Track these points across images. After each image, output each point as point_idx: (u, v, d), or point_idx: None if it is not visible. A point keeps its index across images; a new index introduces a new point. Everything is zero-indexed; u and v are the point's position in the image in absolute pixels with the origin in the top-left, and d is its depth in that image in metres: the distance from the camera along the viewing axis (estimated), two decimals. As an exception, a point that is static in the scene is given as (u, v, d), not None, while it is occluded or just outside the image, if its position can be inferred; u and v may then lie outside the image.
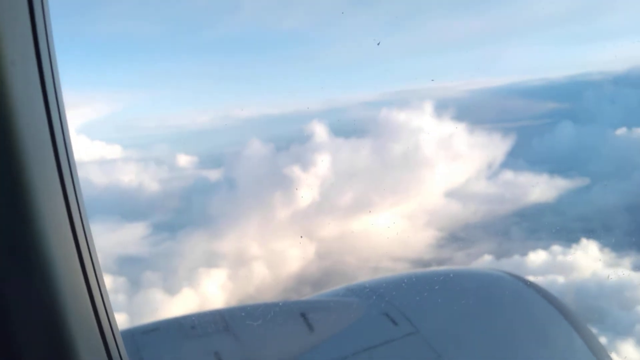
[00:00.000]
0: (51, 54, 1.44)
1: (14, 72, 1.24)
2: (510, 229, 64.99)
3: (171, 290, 54.56)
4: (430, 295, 4.96)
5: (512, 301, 5.11)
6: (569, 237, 56.49)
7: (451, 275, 5.66)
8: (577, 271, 48.82)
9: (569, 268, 49.36)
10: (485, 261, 52.91)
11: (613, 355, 4.95)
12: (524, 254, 53.79)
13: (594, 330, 4.88)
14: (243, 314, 4.71)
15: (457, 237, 66.11)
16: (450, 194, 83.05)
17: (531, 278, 5.56)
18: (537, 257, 52.40)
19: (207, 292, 55.58)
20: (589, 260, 50.55)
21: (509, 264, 50.93)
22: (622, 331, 35.44)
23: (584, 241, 54.15)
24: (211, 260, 64.04)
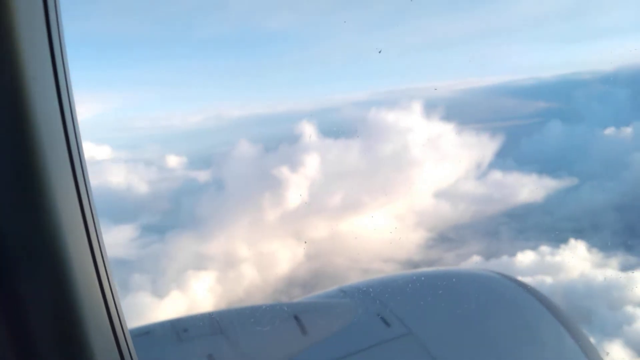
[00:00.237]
0: (66, 69, 1.51)
1: (34, 87, 1.31)
2: (499, 230, 65.36)
3: (159, 293, 54.44)
4: (422, 296, 4.94)
5: (504, 301, 5.10)
6: (558, 237, 56.89)
7: (443, 275, 5.65)
8: (565, 271, 49.12)
9: (557, 268, 49.69)
10: (474, 262, 53.19)
11: (603, 355, 4.93)
12: (513, 254, 54.11)
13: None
14: (236, 316, 4.68)
15: (447, 237, 66.42)
16: (440, 195, 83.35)
17: (520, 278, 5.54)
18: (526, 257, 52.74)
19: (195, 294, 55.48)
20: (577, 260, 50.89)
21: (498, 265, 51.19)
22: (609, 332, 35.69)
23: (572, 241, 54.56)
24: (199, 263, 63.97)
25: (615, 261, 51.25)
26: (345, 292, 5.09)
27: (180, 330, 4.25)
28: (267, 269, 61.95)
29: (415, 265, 61.04)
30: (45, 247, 1.39)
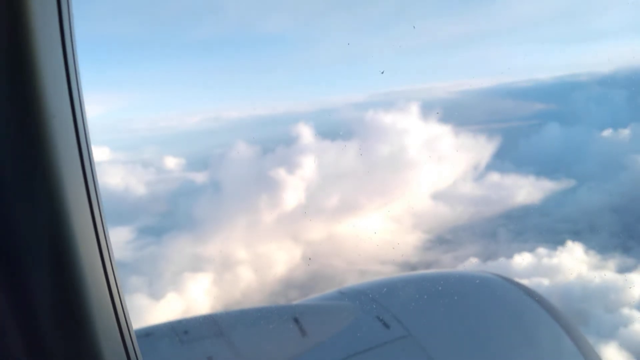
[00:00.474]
0: (82, 106, 1.56)
1: (54, 124, 1.35)
2: (496, 231, 65.35)
3: (156, 295, 54.30)
4: (422, 298, 4.94)
5: (502, 303, 5.10)
6: (555, 239, 56.91)
7: (442, 277, 5.65)
8: (562, 274, 49.10)
9: (554, 270, 49.65)
10: (471, 264, 53.16)
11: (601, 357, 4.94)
12: (510, 256, 54.11)
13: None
14: (236, 318, 4.67)
15: (444, 239, 66.37)
16: (438, 196, 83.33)
17: (518, 280, 5.55)
18: (523, 259, 52.67)
19: (192, 296, 55.36)
20: (574, 262, 50.89)
21: (495, 267, 51.17)
22: (606, 334, 35.69)
23: (570, 243, 54.54)
24: (196, 265, 63.84)
25: (612, 263, 51.29)
26: (344, 294, 5.08)
27: (180, 332, 4.25)
28: (264, 271, 61.91)
29: (413, 267, 61.04)
30: (56, 249, 1.42)
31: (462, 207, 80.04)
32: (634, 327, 36.96)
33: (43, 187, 1.36)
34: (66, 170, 1.42)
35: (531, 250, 54.08)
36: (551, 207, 72.65)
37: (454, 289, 5.20)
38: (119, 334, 1.67)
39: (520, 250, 54.58)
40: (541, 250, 53.62)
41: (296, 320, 4.48)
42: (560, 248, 54.07)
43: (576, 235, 57.29)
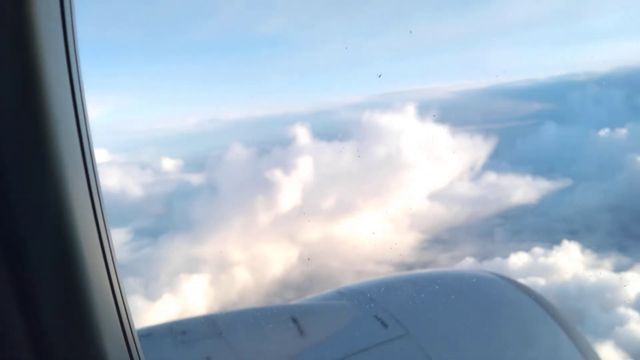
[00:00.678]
0: (85, 110, 1.59)
1: (58, 129, 1.38)
2: (493, 231, 65.46)
3: (152, 296, 54.29)
4: (420, 297, 4.93)
5: (501, 302, 5.09)
6: (551, 238, 57.02)
7: (440, 277, 5.64)
8: (558, 273, 49.17)
9: (550, 270, 49.72)
10: (467, 263, 53.19)
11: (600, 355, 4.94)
12: (506, 256, 54.16)
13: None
14: (234, 318, 4.67)
15: (441, 239, 66.46)
16: (435, 197, 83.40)
17: (516, 279, 5.55)
18: (519, 259, 52.75)
19: (188, 298, 55.34)
20: (570, 261, 50.97)
21: (491, 267, 51.28)
22: (601, 333, 35.74)
23: (566, 243, 54.64)
24: (192, 266, 63.81)
25: (608, 262, 51.42)
26: (342, 294, 5.08)
27: (178, 332, 4.24)
28: (260, 272, 61.89)
29: (410, 267, 61.13)
30: (60, 250, 1.43)
31: (459, 207, 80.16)
32: (630, 326, 37.04)
33: (47, 189, 1.38)
34: (70, 173, 1.43)
35: (527, 249, 54.22)
36: (548, 206, 72.83)
37: (452, 288, 5.19)
38: (122, 334, 1.69)
39: (516, 250, 54.68)
40: (537, 249, 53.74)
41: (294, 320, 4.47)
42: (556, 247, 54.20)
43: (572, 235, 57.42)
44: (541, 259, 51.98)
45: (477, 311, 4.86)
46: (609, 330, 36.77)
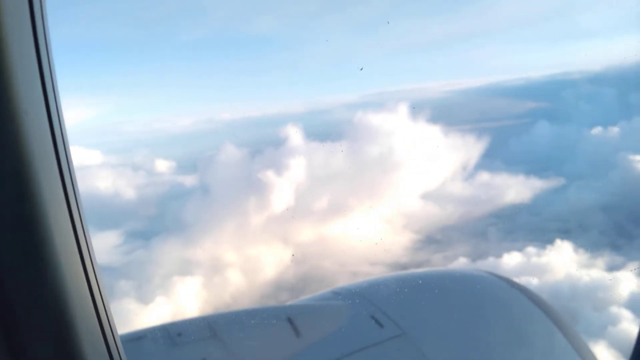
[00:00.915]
0: (58, 104, 1.55)
1: (27, 120, 1.35)
2: (486, 231, 65.59)
3: (144, 299, 54.08)
4: (415, 297, 4.93)
5: (496, 301, 5.10)
6: (544, 238, 57.14)
7: (435, 276, 5.65)
8: (551, 272, 49.28)
9: (543, 269, 49.83)
10: (460, 263, 53.29)
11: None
12: (499, 255, 54.26)
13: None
14: (230, 320, 4.65)
15: (434, 239, 66.56)
16: (428, 196, 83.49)
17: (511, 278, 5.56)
18: (512, 258, 52.86)
19: (181, 300, 55.18)
20: (563, 261, 51.09)
21: (484, 266, 51.29)
22: (594, 333, 35.78)
23: (559, 242, 54.76)
24: (185, 268, 63.63)
25: (601, 261, 51.57)
26: (338, 294, 5.07)
27: (174, 334, 4.22)
28: (253, 274, 61.81)
29: (403, 267, 61.10)
30: (32, 250, 1.40)
31: (452, 207, 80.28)
32: (623, 325, 37.09)
33: (19, 190, 1.35)
34: (41, 168, 1.40)
35: (520, 249, 54.34)
36: (541, 205, 73.00)
37: (447, 288, 5.20)
38: (101, 336, 1.66)
39: (509, 250, 54.82)
40: (530, 249, 53.87)
41: (290, 321, 4.46)
42: (549, 247, 54.34)
43: (565, 234, 57.58)
44: (534, 259, 52.12)
45: (473, 310, 4.87)
46: (602, 329, 36.83)
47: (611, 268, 49.33)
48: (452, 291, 5.12)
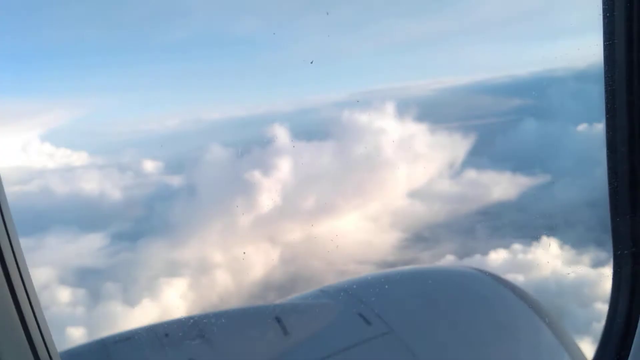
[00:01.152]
0: None
1: None
2: (473, 228, 65.84)
3: (130, 301, 53.81)
4: (403, 294, 4.95)
5: (483, 298, 5.12)
6: (530, 235, 57.42)
7: (423, 273, 5.66)
8: (536, 269, 49.50)
9: (529, 266, 50.09)
10: (447, 261, 53.45)
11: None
12: (485, 253, 54.48)
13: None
14: (217, 319, 4.64)
15: (421, 237, 66.69)
16: (414, 194, 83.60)
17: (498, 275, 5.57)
18: (498, 256, 53.09)
19: (168, 302, 54.93)
20: (549, 257, 51.34)
21: (471, 264, 51.44)
22: (579, 329, 36.00)
23: (545, 239, 55.00)
24: (172, 270, 63.37)
25: (587, 257, 51.91)
26: (325, 293, 5.06)
27: (161, 335, 4.19)
28: (241, 274, 61.64)
29: (391, 265, 61.20)
30: None
31: (439, 205, 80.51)
32: (607, 321, 37.32)
33: None
34: None
35: (507, 246, 54.59)
36: (527, 203, 73.35)
37: (435, 285, 5.21)
38: (23, 335, 1.53)
39: (496, 247, 55.06)
40: (517, 246, 54.11)
41: (278, 320, 4.45)
42: (535, 244, 54.58)
43: (552, 231, 57.84)
44: (520, 256, 52.38)
45: (460, 307, 4.88)
46: (587, 326, 37.04)
47: (596, 264, 49.69)
48: (439, 288, 5.14)
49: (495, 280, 5.31)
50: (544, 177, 79.24)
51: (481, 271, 5.51)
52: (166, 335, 4.20)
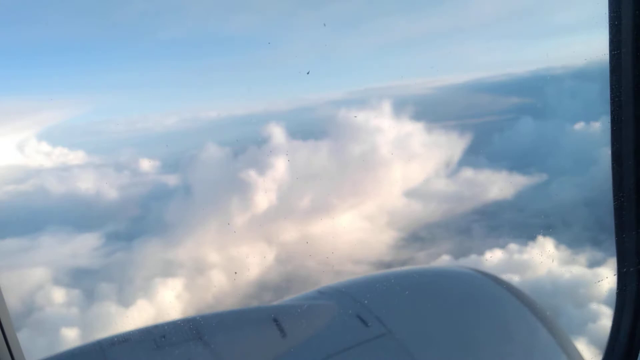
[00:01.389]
0: None
1: None
2: (470, 227, 65.87)
3: (125, 302, 53.71)
4: (401, 295, 4.93)
5: (481, 298, 5.11)
6: (527, 234, 57.46)
7: (421, 274, 5.65)
8: (532, 269, 49.58)
9: (524, 266, 50.14)
10: (443, 261, 53.48)
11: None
12: (481, 253, 54.58)
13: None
14: (214, 320, 4.62)
15: (418, 237, 66.73)
16: (411, 194, 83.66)
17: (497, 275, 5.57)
18: (494, 256, 53.13)
19: (163, 302, 54.85)
20: (544, 257, 51.40)
21: (467, 264, 51.47)
22: (575, 330, 36.06)
23: (541, 239, 55.09)
24: (167, 270, 63.28)
25: (583, 257, 51.98)
26: (323, 294, 5.05)
27: (157, 336, 4.17)
28: (237, 274, 61.54)
29: (387, 266, 61.20)
30: None
31: (436, 204, 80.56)
32: (602, 322, 37.40)
33: None
34: None
35: (502, 246, 54.65)
36: (524, 202, 73.46)
37: (433, 285, 5.21)
38: None
39: (492, 247, 55.17)
40: (512, 246, 54.15)
41: (275, 321, 4.43)
42: (531, 243, 54.66)
43: (548, 230, 57.94)
44: (516, 256, 52.43)
45: (458, 307, 4.88)
46: (582, 326, 37.14)
47: (592, 264, 49.79)
48: (437, 288, 5.13)
49: (493, 281, 5.31)
50: (540, 176, 79.38)
51: (479, 271, 5.50)
52: (163, 337, 4.17)
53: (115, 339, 4.11)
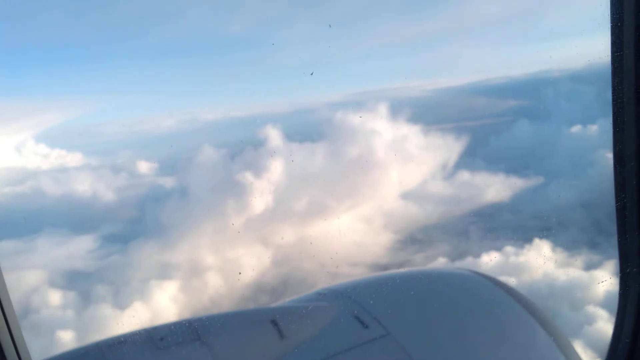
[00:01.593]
0: None
1: None
2: (467, 230, 65.89)
3: (121, 304, 53.59)
4: (400, 296, 4.93)
5: (480, 300, 5.11)
6: (523, 237, 57.49)
7: (420, 275, 5.65)
8: (528, 272, 49.62)
9: (521, 269, 50.18)
10: (440, 263, 53.48)
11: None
12: (478, 255, 54.58)
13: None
14: (213, 322, 4.61)
15: (415, 239, 66.71)
16: (408, 196, 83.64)
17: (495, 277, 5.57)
18: (490, 258, 53.10)
19: (159, 305, 54.76)
20: (541, 260, 51.45)
21: (463, 266, 51.47)
22: (571, 332, 36.09)
23: (537, 241, 55.15)
24: (163, 272, 63.18)
25: (579, 260, 52.00)
26: (322, 295, 5.05)
27: (156, 338, 4.16)
28: (233, 276, 61.50)
29: (384, 268, 61.24)
30: None
31: (432, 207, 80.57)
32: (598, 325, 37.44)
33: None
34: None
35: (499, 248, 54.69)
36: (521, 204, 73.53)
37: (431, 287, 5.21)
38: None
39: (489, 249, 55.21)
40: (509, 248, 54.20)
41: (274, 323, 4.43)
42: (527, 246, 54.71)
43: (544, 233, 57.98)
44: (512, 258, 52.47)
45: (456, 309, 4.88)
46: (579, 329, 37.17)
47: (589, 267, 49.86)
48: (436, 290, 5.13)
49: (491, 282, 5.31)
50: (537, 179, 79.46)
51: (477, 273, 5.51)
52: (161, 338, 4.17)
53: (114, 341, 4.11)
